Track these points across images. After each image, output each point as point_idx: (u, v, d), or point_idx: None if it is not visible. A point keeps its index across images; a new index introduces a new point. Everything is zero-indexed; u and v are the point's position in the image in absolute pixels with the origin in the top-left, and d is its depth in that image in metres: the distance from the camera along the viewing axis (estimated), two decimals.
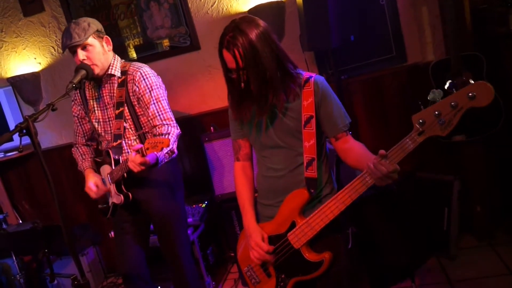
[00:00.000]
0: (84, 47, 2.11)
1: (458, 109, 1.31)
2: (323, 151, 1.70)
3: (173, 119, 2.21)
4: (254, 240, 1.67)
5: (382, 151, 1.41)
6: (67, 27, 2.12)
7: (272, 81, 1.55)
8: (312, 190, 1.60)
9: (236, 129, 1.80)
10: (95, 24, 2.16)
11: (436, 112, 1.34)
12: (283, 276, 1.67)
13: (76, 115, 2.41)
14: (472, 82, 1.29)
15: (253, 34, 1.51)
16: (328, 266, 1.57)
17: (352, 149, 1.63)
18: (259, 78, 1.53)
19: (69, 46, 2.09)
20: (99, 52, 2.15)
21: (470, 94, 1.28)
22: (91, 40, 2.12)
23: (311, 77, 1.64)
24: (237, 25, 1.53)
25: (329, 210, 1.54)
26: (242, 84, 1.56)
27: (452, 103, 1.31)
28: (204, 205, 3.07)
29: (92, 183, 2.25)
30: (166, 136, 1.85)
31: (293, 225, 1.62)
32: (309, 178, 1.61)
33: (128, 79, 2.20)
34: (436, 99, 1.35)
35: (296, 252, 1.61)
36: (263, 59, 1.52)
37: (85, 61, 2.12)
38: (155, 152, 1.89)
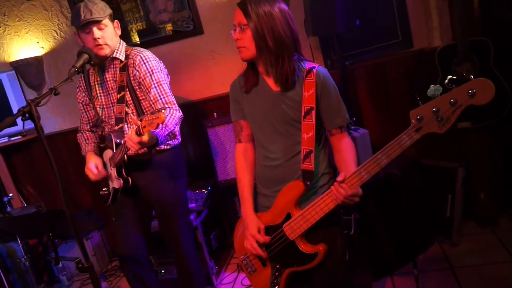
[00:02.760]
0: (100, 27, 2.12)
1: (457, 106, 1.28)
2: (321, 141, 1.69)
3: (175, 103, 2.20)
4: (250, 232, 1.69)
5: (339, 178, 1.47)
6: (85, 4, 2.11)
7: (282, 51, 1.57)
8: (308, 182, 1.59)
9: (237, 109, 1.78)
10: (108, 8, 2.20)
11: (434, 109, 1.31)
12: (278, 266, 1.69)
13: (81, 101, 2.41)
14: (473, 78, 1.28)
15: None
16: (322, 258, 1.59)
17: (340, 151, 1.65)
18: (264, 38, 1.55)
19: (89, 20, 2.08)
20: (112, 33, 2.18)
21: (470, 92, 1.25)
22: (107, 21, 2.15)
23: (313, 67, 1.63)
24: None
25: (324, 204, 1.54)
26: (239, 42, 1.59)
27: (451, 100, 1.28)
28: (207, 191, 3.08)
29: (93, 165, 2.25)
30: (162, 111, 1.81)
31: (288, 217, 1.62)
32: (306, 171, 1.60)
33: (129, 63, 2.19)
34: (435, 95, 1.33)
35: (291, 243, 1.63)
36: (277, 23, 1.55)
37: (99, 40, 2.11)
38: (153, 130, 1.85)
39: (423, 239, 2.64)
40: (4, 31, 3.54)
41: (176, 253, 2.43)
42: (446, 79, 1.26)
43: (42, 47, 3.51)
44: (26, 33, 3.50)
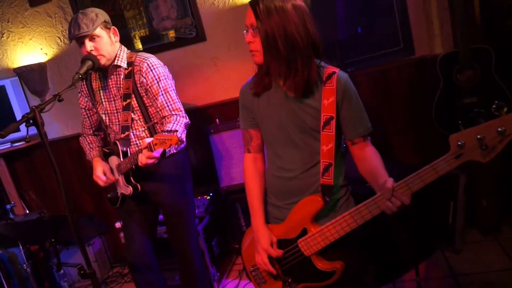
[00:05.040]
0: (92, 38, 2.10)
1: (506, 135, 1.16)
2: (339, 152, 1.57)
3: (182, 109, 2.21)
4: (262, 245, 1.58)
5: (389, 185, 1.35)
6: (75, 17, 2.10)
7: (296, 57, 1.41)
8: (328, 198, 1.48)
9: (247, 117, 1.65)
10: (103, 15, 2.15)
11: (479, 136, 1.19)
12: (290, 280, 1.60)
13: (83, 107, 2.41)
14: None
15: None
16: (340, 275, 1.51)
17: (367, 159, 1.52)
18: (276, 39, 1.38)
19: (77, 36, 2.08)
20: (106, 43, 2.14)
21: None
22: (99, 31, 2.11)
23: (334, 72, 1.49)
24: None
25: (346, 223, 1.43)
26: (252, 45, 1.46)
27: (499, 129, 1.16)
28: (209, 197, 3.09)
29: (101, 172, 2.26)
30: (175, 133, 1.83)
31: (304, 232, 1.53)
32: (325, 186, 1.49)
33: (134, 70, 2.19)
34: (480, 121, 1.22)
35: (306, 260, 1.54)
36: (291, 23, 1.37)
37: (92, 52, 2.10)
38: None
39: (425, 246, 2.63)
40: (7, 38, 3.56)
41: (183, 257, 2.43)
42: (494, 105, 1.15)
43: (46, 54, 3.54)
44: (30, 39, 3.53)
